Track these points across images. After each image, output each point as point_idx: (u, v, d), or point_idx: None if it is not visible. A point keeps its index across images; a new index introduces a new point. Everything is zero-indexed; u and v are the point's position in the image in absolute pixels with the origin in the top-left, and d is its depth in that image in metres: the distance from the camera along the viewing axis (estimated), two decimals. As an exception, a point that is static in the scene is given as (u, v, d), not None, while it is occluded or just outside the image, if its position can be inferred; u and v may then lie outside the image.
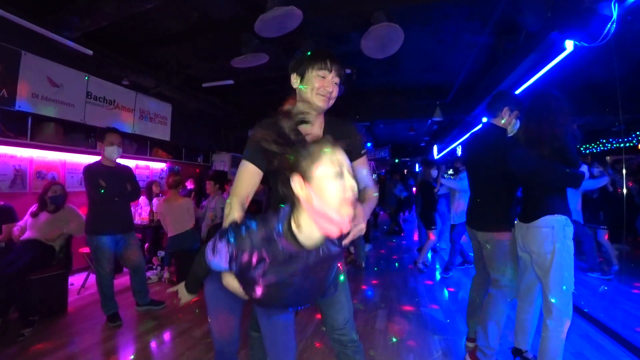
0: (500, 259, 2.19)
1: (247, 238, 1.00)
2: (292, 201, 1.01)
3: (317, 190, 0.94)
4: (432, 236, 4.77)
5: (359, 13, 3.55)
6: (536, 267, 2.01)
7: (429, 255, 5.71)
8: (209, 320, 1.46)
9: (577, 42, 3.26)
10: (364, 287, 4.11)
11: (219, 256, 1.06)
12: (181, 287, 1.44)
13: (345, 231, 0.99)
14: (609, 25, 2.63)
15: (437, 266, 5.09)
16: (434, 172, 4.89)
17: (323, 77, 1.37)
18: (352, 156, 1.29)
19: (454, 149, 10.65)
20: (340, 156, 0.99)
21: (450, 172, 5.46)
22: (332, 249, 1.10)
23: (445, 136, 10.15)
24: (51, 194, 3.31)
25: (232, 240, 1.01)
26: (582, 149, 7.83)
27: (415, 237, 7.12)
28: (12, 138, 3.88)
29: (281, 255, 1.01)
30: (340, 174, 0.96)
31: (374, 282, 4.34)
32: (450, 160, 4.99)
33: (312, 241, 1.01)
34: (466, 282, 4.17)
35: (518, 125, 2.29)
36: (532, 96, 2.19)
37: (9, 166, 3.92)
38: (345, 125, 1.53)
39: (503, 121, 2.29)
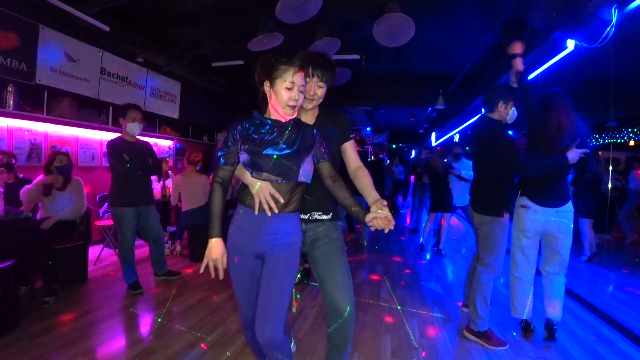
0: (490, 240, 2.46)
1: (237, 123, 1.49)
2: (263, 96, 1.51)
3: (275, 92, 1.45)
4: (444, 221, 4.89)
5: (375, 1, 3.65)
6: (557, 247, 2.38)
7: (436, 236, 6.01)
8: (233, 286, 1.56)
9: (577, 42, 3.44)
10: (366, 263, 4.36)
11: (223, 142, 1.49)
12: (207, 252, 1.46)
13: (287, 119, 1.49)
14: (608, 29, 2.80)
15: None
16: (448, 160, 4.92)
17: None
18: (343, 139, 1.70)
19: (452, 137, 10.86)
20: (297, 78, 1.44)
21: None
22: (306, 134, 1.52)
23: (444, 124, 10.32)
24: (57, 164, 3.26)
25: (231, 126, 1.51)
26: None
27: (408, 220, 7.44)
28: (29, 112, 3.96)
29: (257, 125, 1.49)
30: (291, 89, 1.44)
31: (376, 259, 4.61)
32: (448, 146, 5.09)
33: (287, 116, 1.48)
34: (462, 261, 4.47)
35: (515, 113, 2.53)
36: (547, 94, 2.48)
37: (25, 140, 4.02)
38: (336, 114, 1.78)
39: (499, 114, 2.50)
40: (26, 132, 4.02)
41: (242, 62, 5.57)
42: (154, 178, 5.02)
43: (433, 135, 12.35)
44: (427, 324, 2.70)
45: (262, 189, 1.43)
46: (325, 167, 1.54)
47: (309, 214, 1.67)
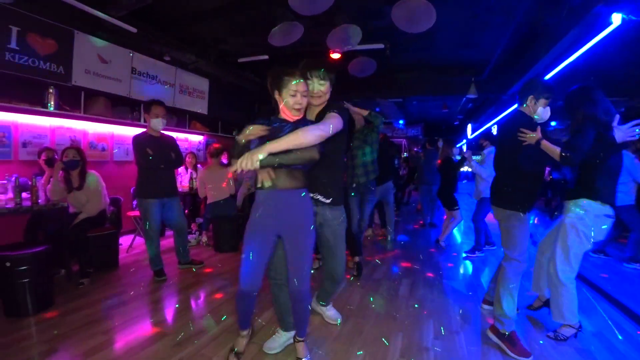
0: (510, 235, 2.34)
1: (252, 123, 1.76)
2: (275, 103, 1.82)
3: (283, 99, 1.77)
4: (456, 216, 4.71)
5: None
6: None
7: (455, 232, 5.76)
8: (242, 256, 1.83)
9: (625, 16, 3.10)
10: (390, 258, 4.26)
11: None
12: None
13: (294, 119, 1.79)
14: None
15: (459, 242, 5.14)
16: (456, 151, 4.76)
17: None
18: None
19: (489, 128, 10.30)
20: (299, 87, 1.74)
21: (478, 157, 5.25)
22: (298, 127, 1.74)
23: (480, 115, 9.84)
24: (65, 159, 3.32)
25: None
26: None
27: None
28: (68, 111, 4.27)
29: (272, 123, 1.79)
30: (294, 95, 1.75)
31: (400, 255, 4.49)
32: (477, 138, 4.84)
33: (294, 117, 1.80)
34: (494, 261, 4.23)
35: (548, 111, 2.35)
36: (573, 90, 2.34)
37: (66, 137, 4.34)
38: (331, 105, 1.97)
39: (529, 109, 2.35)
40: (66, 130, 4.34)
41: (267, 57, 5.64)
42: (182, 170, 5.26)
43: (469, 127, 11.81)
44: (443, 325, 2.57)
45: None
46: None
47: (313, 194, 2.00)
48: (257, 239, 1.83)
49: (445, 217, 5.05)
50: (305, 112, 1.91)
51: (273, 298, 2.14)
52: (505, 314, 2.28)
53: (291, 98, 1.75)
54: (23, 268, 2.55)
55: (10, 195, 3.24)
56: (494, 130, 9.89)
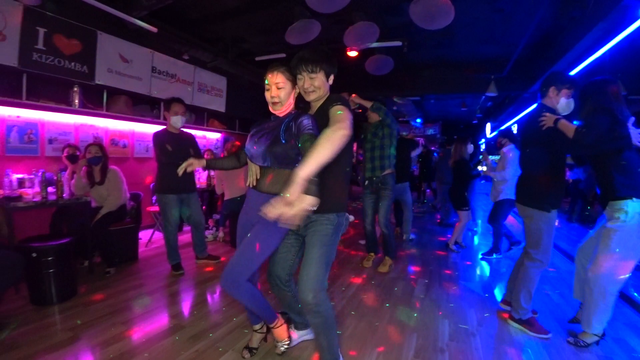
0: (534, 234, 2.35)
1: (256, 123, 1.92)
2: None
3: (265, 93, 1.78)
4: (463, 217, 4.52)
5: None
6: None
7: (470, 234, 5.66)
8: (271, 240, 1.77)
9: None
10: (406, 258, 4.22)
11: None
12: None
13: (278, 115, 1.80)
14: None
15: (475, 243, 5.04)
16: (470, 148, 4.61)
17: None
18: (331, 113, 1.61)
19: (509, 127, 10.04)
20: (272, 78, 1.74)
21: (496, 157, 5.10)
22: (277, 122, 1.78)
23: (500, 113, 9.60)
24: (88, 155, 3.42)
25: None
26: None
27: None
28: (91, 109, 4.40)
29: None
30: (268, 90, 1.76)
31: (417, 254, 4.44)
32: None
33: (276, 111, 1.79)
34: (509, 261, 4.14)
35: (571, 103, 2.33)
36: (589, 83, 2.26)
37: (89, 134, 4.48)
38: (331, 97, 1.77)
39: (550, 100, 2.34)
40: (89, 127, 4.49)
41: (284, 55, 5.66)
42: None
43: (488, 125, 11.55)
44: (459, 327, 2.53)
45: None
46: (307, 138, 1.61)
47: None
48: (242, 235, 1.86)
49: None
50: (296, 105, 1.85)
51: (278, 300, 2.11)
52: (521, 306, 2.40)
53: (266, 93, 1.76)
54: (48, 259, 2.66)
55: (37, 189, 3.37)
56: (514, 129, 9.64)
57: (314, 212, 1.63)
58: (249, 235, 1.76)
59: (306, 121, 1.66)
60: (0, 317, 2.38)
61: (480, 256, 4.35)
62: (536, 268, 2.37)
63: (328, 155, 1.39)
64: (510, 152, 3.97)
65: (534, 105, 6.68)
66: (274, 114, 1.82)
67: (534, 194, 2.33)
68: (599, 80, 2.23)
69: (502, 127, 10.66)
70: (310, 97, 1.77)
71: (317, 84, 1.73)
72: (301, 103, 1.87)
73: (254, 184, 1.78)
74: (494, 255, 4.27)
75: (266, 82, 1.76)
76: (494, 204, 4.18)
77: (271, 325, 2.01)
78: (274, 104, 1.75)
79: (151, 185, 5.02)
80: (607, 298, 2.14)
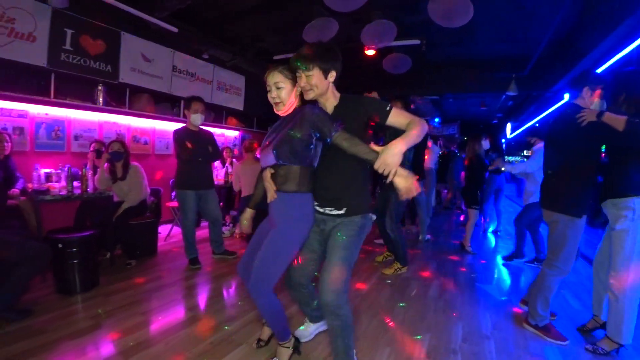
0: (556, 241, 2.26)
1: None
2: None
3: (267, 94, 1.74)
4: (472, 216, 4.43)
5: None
6: None
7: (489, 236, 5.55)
8: (290, 247, 1.73)
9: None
10: (420, 258, 4.19)
11: None
12: None
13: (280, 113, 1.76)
14: None
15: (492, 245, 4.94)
16: (485, 143, 4.47)
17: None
18: (382, 118, 1.64)
19: (533, 126, 9.78)
20: (270, 79, 1.70)
21: (525, 152, 4.93)
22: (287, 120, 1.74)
23: (521, 113, 9.36)
24: (111, 150, 3.53)
25: None
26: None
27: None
28: (114, 107, 4.56)
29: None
30: (269, 90, 1.72)
31: (432, 255, 4.40)
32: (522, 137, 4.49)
33: (279, 111, 1.77)
34: (528, 267, 4.04)
35: (604, 104, 2.26)
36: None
37: (112, 131, 4.63)
38: (357, 99, 1.73)
39: (584, 100, 2.26)
40: (112, 124, 4.64)
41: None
42: (218, 164, 5.45)
43: (508, 125, 11.28)
44: (472, 330, 2.49)
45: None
46: (339, 138, 1.57)
47: (323, 209, 1.76)
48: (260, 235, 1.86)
49: (484, 220, 4.80)
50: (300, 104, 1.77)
51: (292, 298, 2.12)
52: (539, 314, 2.34)
53: (268, 94, 1.73)
54: (73, 250, 2.77)
55: (63, 183, 3.52)
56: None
57: (340, 216, 1.72)
58: (267, 240, 1.70)
59: (338, 126, 1.58)
60: (26, 304, 2.50)
61: (501, 261, 4.24)
62: (554, 276, 2.28)
63: (417, 140, 1.55)
64: (541, 150, 3.81)
65: (558, 105, 6.49)
66: (279, 115, 1.79)
67: (560, 199, 2.24)
68: (635, 70, 2.19)
69: (523, 128, 10.40)
70: (308, 96, 1.69)
71: (313, 82, 1.64)
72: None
73: (274, 192, 1.70)
74: (515, 261, 4.12)
75: (266, 83, 1.72)
76: (524, 205, 4.01)
77: (280, 342, 1.94)
78: (275, 104, 1.73)
79: (171, 181, 5.15)
80: (634, 305, 2.07)
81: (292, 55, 1.69)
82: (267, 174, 1.72)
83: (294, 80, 1.70)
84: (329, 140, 1.59)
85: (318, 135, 1.62)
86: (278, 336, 1.91)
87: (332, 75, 1.68)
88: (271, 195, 1.71)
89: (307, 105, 1.69)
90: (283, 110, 1.74)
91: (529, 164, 3.83)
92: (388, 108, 1.63)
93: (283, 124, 1.74)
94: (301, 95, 1.74)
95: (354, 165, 1.68)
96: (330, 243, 1.72)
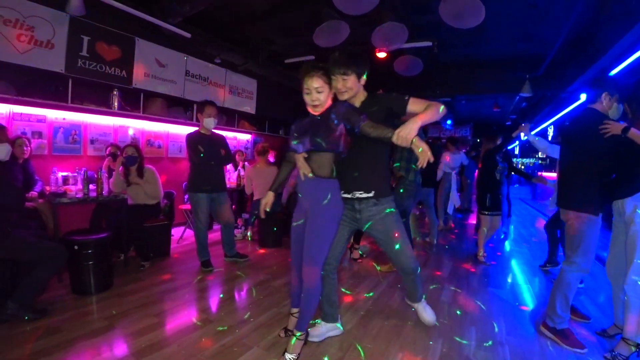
0: (574, 238, 2.27)
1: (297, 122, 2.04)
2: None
3: (304, 96, 1.87)
4: (484, 222, 4.12)
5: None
6: None
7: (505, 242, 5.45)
8: (330, 224, 1.92)
9: None
10: (431, 262, 4.13)
11: None
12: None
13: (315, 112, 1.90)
14: None
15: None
16: (499, 139, 4.19)
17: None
18: (402, 107, 1.89)
19: (545, 130, 9.58)
20: (311, 83, 1.81)
21: (540, 154, 4.77)
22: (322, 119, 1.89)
23: (535, 115, 9.17)
24: (125, 155, 3.62)
25: None
26: None
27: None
28: (129, 111, 4.65)
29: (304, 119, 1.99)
30: (308, 93, 1.84)
31: (443, 258, 4.34)
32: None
33: (316, 112, 1.90)
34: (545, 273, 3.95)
35: (621, 108, 2.30)
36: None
37: (127, 135, 4.73)
38: (380, 96, 2.05)
39: (602, 105, 2.28)
40: (127, 128, 4.73)
41: (313, 57, 5.73)
42: (230, 168, 5.50)
43: (523, 127, 11.06)
44: (485, 335, 2.43)
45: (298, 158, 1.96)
46: (365, 127, 1.76)
47: (352, 194, 2.02)
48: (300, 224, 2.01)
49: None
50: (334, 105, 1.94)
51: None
52: (558, 314, 2.30)
53: (306, 96, 1.86)
54: (89, 251, 2.83)
55: (79, 186, 3.60)
56: (550, 132, 9.19)
57: (375, 197, 2.01)
58: (309, 223, 1.90)
59: (347, 105, 1.85)
60: (43, 304, 2.56)
61: (515, 264, 4.11)
62: (573, 272, 2.26)
63: (432, 119, 1.74)
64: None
65: (573, 106, 6.33)
66: (311, 114, 1.93)
67: (577, 197, 2.27)
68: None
69: (537, 129, 10.20)
70: (343, 97, 1.95)
71: (349, 85, 1.92)
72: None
73: (310, 173, 1.88)
74: (547, 267, 3.91)
75: (305, 85, 1.84)
76: (555, 210, 3.71)
77: (299, 332, 2.00)
78: (314, 106, 1.87)
79: (184, 185, 5.22)
80: None
81: (330, 60, 1.91)
82: (301, 157, 1.91)
83: (330, 84, 1.89)
84: (357, 130, 1.77)
85: (348, 126, 1.81)
86: (301, 326, 2.00)
87: (363, 79, 1.97)
88: (306, 171, 1.88)
89: (337, 101, 1.93)
90: (319, 112, 1.89)
91: (552, 147, 3.61)
92: (407, 97, 1.88)
93: (320, 121, 1.88)
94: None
95: (378, 151, 2.01)
96: (380, 224, 2.04)
